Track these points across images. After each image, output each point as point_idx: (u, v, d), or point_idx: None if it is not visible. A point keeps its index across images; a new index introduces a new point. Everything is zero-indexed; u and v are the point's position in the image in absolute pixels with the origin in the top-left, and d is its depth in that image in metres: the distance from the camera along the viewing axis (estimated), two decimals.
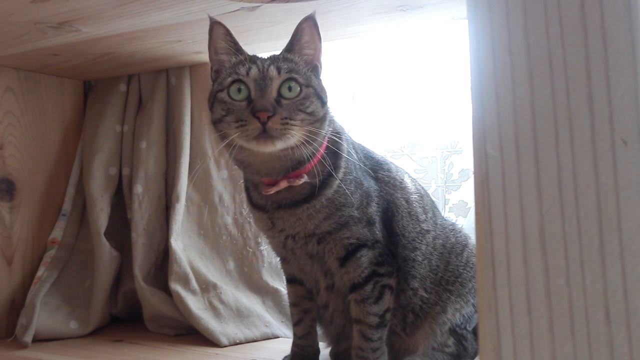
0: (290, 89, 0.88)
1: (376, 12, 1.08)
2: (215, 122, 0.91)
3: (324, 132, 0.92)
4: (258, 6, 1.03)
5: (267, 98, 0.86)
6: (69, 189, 1.49)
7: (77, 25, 1.12)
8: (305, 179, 0.92)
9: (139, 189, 1.42)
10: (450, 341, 1.01)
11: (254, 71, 0.89)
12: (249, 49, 1.25)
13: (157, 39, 1.22)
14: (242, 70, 0.89)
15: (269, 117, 0.84)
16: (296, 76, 0.89)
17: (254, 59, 0.92)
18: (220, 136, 0.91)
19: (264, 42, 1.24)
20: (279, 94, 0.88)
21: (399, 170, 1.07)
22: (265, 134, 0.85)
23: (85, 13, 1.06)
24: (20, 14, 1.06)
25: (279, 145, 0.86)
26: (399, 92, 1.42)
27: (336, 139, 0.95)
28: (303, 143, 0.88)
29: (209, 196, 1.43)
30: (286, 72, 0.89)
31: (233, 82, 0.89)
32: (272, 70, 0.89)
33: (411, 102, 1.41)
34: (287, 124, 0.85)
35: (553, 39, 0.47)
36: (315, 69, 0.94)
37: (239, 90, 0.89)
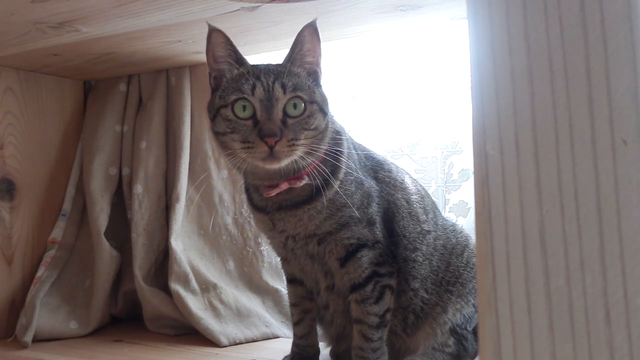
0: (295, 106, 0.88)
1: (376, 12, 1.08)
2: (218, 134, 0.91)
3: (325, 142, 0.92)
4: (258, 6, 1.03)
5: (274, 120, 0.86)
6: (69, 189, 1.49)
7: (77, 25, 1.12)
8: (305, 180, 0.92)
9: (139, 189, 1.42)
10: (451, 341, 1.01)
11: (259, 90, 0.87)
12: (249, 49, 1.26)
13: (157, 39, 1.22)
14: (247, 88, 0.88)
15: (276, 142, 0.84)
16: (301, 94, 0.89)
17: (257, 74, 0.90)
18: (222, 146, 0.91)
19: (264, 42, 1.24)
20: (285, 113, 0.88)
21: (399, 171, 1.07)
22: (271, 156, 0.85)
23: (85, 13, 1.06)
24: (20, 14, 1.06)
25: (284, 162, 0.87)
26: (399, 92, 1.42)
27: (337, 140, 0.95)
28: (305, 155, 0.89)
29: (209, 196, 1.43)
30: (291, 91, 0.88)
31: (237, 99, 0.88)
32: (278, 90, 0.87)
33: (411, 102, 1.41)
34: (293, 145, 0.86)
35: (553, 39, 0.47)
36: (315, 75, 0.94)
37: (244, 107, 0.88)
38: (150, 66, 1.43)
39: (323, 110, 0.91)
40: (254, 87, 0.88)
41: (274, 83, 0.88)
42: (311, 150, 0.89)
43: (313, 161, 0.91)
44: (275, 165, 0.87)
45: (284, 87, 0.88)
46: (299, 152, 0.88)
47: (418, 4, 1.05)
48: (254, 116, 0.87)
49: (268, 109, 0.87)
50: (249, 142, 0.86)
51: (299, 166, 0.90)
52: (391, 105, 1.43)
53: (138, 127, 1.47)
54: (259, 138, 0.85)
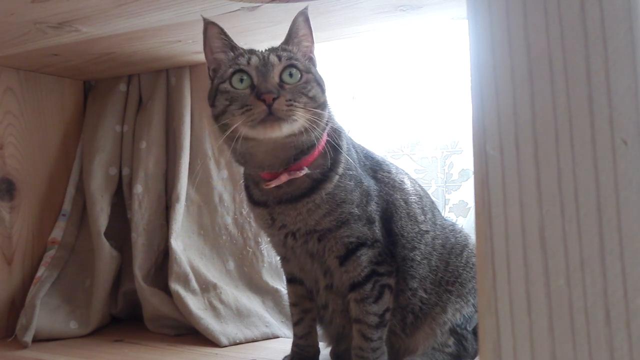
0: (291, 74, 0.89)
1: (376, 12, 1.08)
2: (218, 115, 0.91)
3: (325, 119, 0.93)
4: (258, 6, 1.03)
5: (271, 82, 0.88)
6: (69, 189, 1.49)
7: (77, 25, 1.12)
8: (305, 171, 0.92)
9: (139, 189, 1.42)
10: (451, 341, 1.01)
11: (254, 60, 0.90)
12: None
13: (157, 39, 1.22)
14: (243, 61, 0.91)
15: (274, 99, 0.85)
16: (296, 62, 0.91)
17: (252, 50, 0.94)
18: (222, 128, 0.90)
19: (264, 42, 1.24)
20: (281, 80, 0.89)
21: (398, 171, 1.07)
22: (271, 117, 0.85)
23: (85, 13, 1.06)
24: (20, 14, 1.06)
25: (285, 128, 0.87)
26: (399, 92, 1.42)
27: (335, 135, 0.96)
28: (306, 129, 0.89)
29: (209, 196, 1.43)
30: (286, 60, 0.90)
31: (235, 72, 0.90)
32: (273, 58, 0.90)
33: (411, 102, 1.41)
34: (291, 105, 0.86)
35: (553, 39, 0.47)
36: (311, 60, 0.96)
37: (241, 80, 0.89)
38: (150, 66, 1.43)
39: (320, 84, 0.93)
40: (249, 59, 0.90)
41: (269, 54, 0.91)
42: (311, 124, 0.88)
43: (312, 145, 0.91)
44: (276, 131, 0.86)
45: (279, 57, 0.90)
46: (299, 119, 0.87)
47: (418, 4, 1.05)
48: (251, 84, 0.89)
49: (264, 73, 0.88)
50: (247, 105, 0.86)
51: (299, 146, 0.90)
52: (391, 105, 1.43)
53: (138, 127, 1.47)
54: (257, 98, 0.86)
